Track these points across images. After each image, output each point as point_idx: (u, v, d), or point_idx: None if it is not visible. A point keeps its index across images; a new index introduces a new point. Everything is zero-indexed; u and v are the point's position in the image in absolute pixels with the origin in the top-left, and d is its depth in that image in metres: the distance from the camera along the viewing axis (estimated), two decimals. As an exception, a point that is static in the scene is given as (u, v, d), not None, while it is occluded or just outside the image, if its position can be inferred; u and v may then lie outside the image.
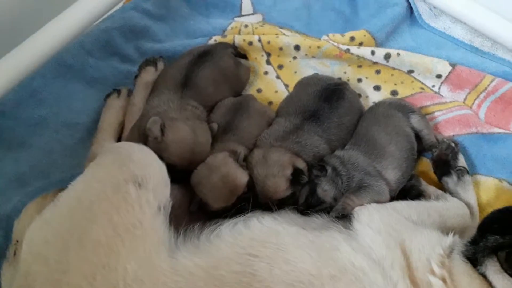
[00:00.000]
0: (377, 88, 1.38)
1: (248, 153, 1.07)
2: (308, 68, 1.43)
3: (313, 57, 1.43)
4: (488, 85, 1.30)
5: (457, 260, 0.76)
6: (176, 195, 0.93)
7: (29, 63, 1.26)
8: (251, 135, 1.13)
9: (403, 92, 1.36)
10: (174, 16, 1.53)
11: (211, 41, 1.42)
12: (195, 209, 0.97)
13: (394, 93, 1.36)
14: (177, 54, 1.36)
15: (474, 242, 0.77)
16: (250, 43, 1.43)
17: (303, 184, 1.03)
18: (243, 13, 1.60)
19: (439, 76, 1.35)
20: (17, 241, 0.94)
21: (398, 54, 1.37)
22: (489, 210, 1.07)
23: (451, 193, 1.10)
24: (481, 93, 1.30)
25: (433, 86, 1.37)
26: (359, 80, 1.40)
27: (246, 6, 1.60)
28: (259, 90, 1.38)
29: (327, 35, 1.43)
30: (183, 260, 0.77)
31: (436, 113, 1.29)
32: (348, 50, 1.39)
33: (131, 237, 0.77)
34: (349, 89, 1.24)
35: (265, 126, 1.17)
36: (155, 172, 0.86)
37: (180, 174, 0.98)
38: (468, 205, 1.06)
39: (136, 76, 1.27)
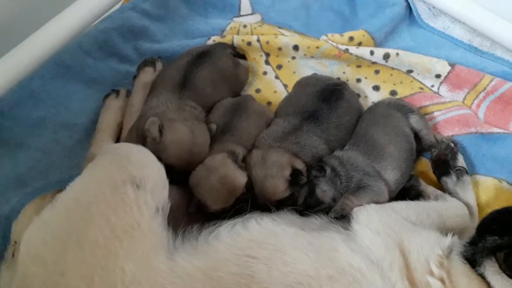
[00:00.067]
0: (376, 88, 1.38)
1: (246, 154, 1.07)
2: (307, 68, 1.42)
3: (312, 57, 1.43)
4: (487, 85, 1.30)
5: (456, 261, 0.76)
6: (174, 196, 0.92)
7: (28, 64, 1.25)
8: (250, 135, 1.12)
9: (402, 92, 1.36)
10: (172, 16, 1.53)
11: (210, 42, 1.41)
12: (193, 210, 0.97)
13: (393, 93, 1.36)
14: (175, 54, 1.35)
15: (473, 242, 0.77)
16: (249, 43, 1.43)
17: (302, 185, 1.03)
18: (241, 13, 1.60)
19: (438, 76, 1.35)
20: (15, 242, 0.94)
21: (397, 54, 1.37)
22: (488, 210, 1.07)
23: (450, 193, 1.10)
24: (480, 93, 1.30)
25: (432, 86, 1.37)
26: (358, 80, 1.40)
27: (245, 6, 1.60)
28: (258, 90, 1.38)
29: (326, 35, 1.43)
30: (181, 261, 0.77)
31: (435, 113, 1.29)
32: (347, 50, 1.39)
33: (129, 239, 0.76)
34: (348, 89, 1.24)
35: (263, 126, 1.17)
36: (153, 173, 0.86)
37: (179, 175, 0.98)
38: (467, 205, 1.06)
39: (134, 77, 1.26)
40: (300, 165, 1.03)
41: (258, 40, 1.42)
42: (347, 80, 1.37)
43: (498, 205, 1.10)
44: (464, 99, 1.33)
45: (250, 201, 0.99)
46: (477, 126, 1.24)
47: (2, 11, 1.43)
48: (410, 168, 1.11)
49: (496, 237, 0.73)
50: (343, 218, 0.93)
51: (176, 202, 0.93)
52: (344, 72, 1.41)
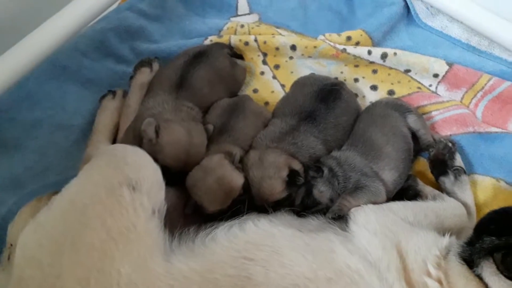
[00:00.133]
0: (374, 87, 1.37)
1: (244, 155, 1.07)
2: (304, 68, 1.42)
3: (310, 57, 1.43)
4: (485, 84, 1.29)
5: (453, 262, 0.76)
6: (171, 197, 0.92)
7: (24, 65, 1.25)
8: (247, 136, 1.12)
9: (400, 91, 1.35)
10: (169, 16, 1.52)
11: (207, 41, 1.41)
12: (190, 211, 0.96)
13: (391, 92, 1.36)
14: (172, 54, 1.35)
15: (470, 243, 0.77)
16: (246, 43, 1.42)
17: (299, 186, 1.02)
18: (239, 13, 1.59)
19: (436, 76, 1.35)
20: (11, 244, 0.93)
21: (395, 53, 1.37)
22: (486, 209, 1.07)
23: (448, 193, 1.10)
24: (478, 92, 1.30)
25: (430, 85, 1.37)
26: (356, 80, 1.39)
27: (242, 6, 1.60)
28: (255, 91, 1.38)
29: (324, 35, 1.43)
30: (178, 264, 0.76)
31: (433, 113, 1.29)
32: (344, 50, 1.38)
33: (125, 241, 0.76)
34: (346, 89, 1.23)
35: (261, 127, 1.16)
36: (150, 174, 0.86)
37: (175, 176, 0.98)
38: (465, 205, 1.05)
39: (131, 77, 1.26)
40: (297, 166, 1.03)
41: (256, 40, 1.42)
42: (345, 80, 1.37)
43: (496, 205, 1.09)
44: (462, 98, 1.32)
45: (247, 202, 0.98)
46: (475, 125, 1.24)
47: (-2, 12, 1.43)
48: (408, 168, 1.11)
49: (494, 238, 0.73)
50: (341, 218, 0.93)
51: (173, 204, 0.93)
52: (341, 72, 1.41)
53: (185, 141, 1.01)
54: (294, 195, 1.03)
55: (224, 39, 1.41)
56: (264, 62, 1.44)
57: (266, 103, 1.35)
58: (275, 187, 1.00)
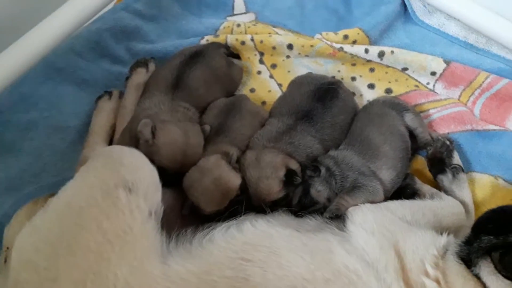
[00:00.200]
0: (371, 86, 1.37)
1: (241, 155, 1.06)
2: (301, 67, 1.41)
3: (307, 56, 1.42)
4: (483, 81, 1.29)
5: (451, 261, 0.76)
6: (168, 199, 0.92)
7: (19, 66, 1.25)
8: (244, 136, 1.11)
9: (398, 90, 1.35)
10: (165, 16, 1.51)
11: (203, 41, 1.40)
12: (187, 213, 0.96)
13: (388, 91, 1.35)
14: (168, 54, 1.34)
15: (468, 242, 0.77)
16: (243, 43, 1.41)
17: (296, 185, 1.02)
18: (235, 12, 1.59)
19: (433, 74, 1.34)
20: (8, 248, 0.93)
21: (392, 52, 1.37)
22: (485, 207, 1.07)
23: (446, 191, 1.10)
24: (476, 90, 1.30)
25: (428, 83, 1.36)
26: (353, 79, 1.39)
27: (239, 5, 1.59)
28: (252, 90, 1.37)
29: (321, 34, 1.42)
30: (175, 265, 0.76)
31: (431, 111, 1.28)
32: (341, 48, 1.38)
33: (121, 243, 0.75)
34: (343, 88, 1.23)
35: (258, 126, 1.16)
36: (146, 176, 0.85)
37: (172, 177, 0.97)
38: (463, 203, 1.05)
39: (127, 78, 1.25)
40: (294, 165, 1.03)
41: (252, 39, 1.41)
42: (342, 79, 1.37)
43: (494, 203, 1.09)
44: (459, 96, 1.32)
45: (245, 203, 0.98)
46: (473, 123, 1.24)
47: (-7, 13, 1.42)
48: (405, 167, 1.11)
49: (492, 237, 0.72)
50: (338, 218, 0.93)
51: (170, 205, 0.92)
52: (339, 71, 1.40)
53: (182, 142, 1.00)
54: (292, 194, 1.02)
55: (220, 39, 1.41)
56: (261, 62, 1.43)
57: (263, 103, 1.34)
58: (272, 187, 0.99)
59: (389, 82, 1.37)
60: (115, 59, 1.36)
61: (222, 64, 1.27)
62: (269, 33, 1.44)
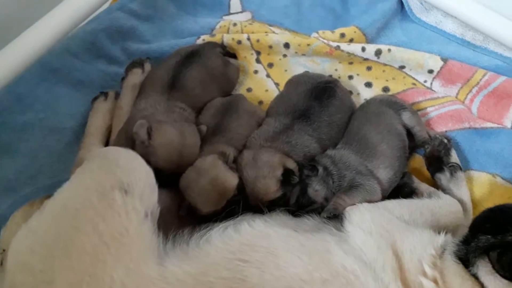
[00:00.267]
0: (368, 84, 1.37)
1: (237, 155, 1.06)
2: (298, 66, 1.41)
3: (303, 54, 1.42)
4: (480, 79, 1.29)
5: (449, 261, 0.75)
6: (164, 199, 0.91)
7: (14, 66, 1.24)
8: (241, 136, 1.11)
9: (395, 88, 1.35)
10: (161, 16, 1.50)
11: (199, 41, 1.40)
12: (184, 213, 0.95)
13: (385, 89, 1.35)
14: (164, 54, 1.34)
15: (466, 242, 0.76)
16: (239, 42, 1.41)
17: (294, 185, 1.02)
18: (231, 11, 1.58)
19: (430, 71, 1.34)
20: (4, 250, 0.92)
21: (389, 50, 1.36)
22: (483, 206, 1.07)
23: (444, 190, 1.09)
24: (473, 87, 1.30)
25: (425, 81, 1.36)
26: (350, 77, 1.38)
27: (235, 4, 1.59)
28: (249, 89, 1.37)
29: (317, 32, 1.42)
30: (171, 267, 0.75)
31: (429, 109, 1.28)
32: (338, 47, 1.37)
33: (117, 245, 0.75)
34: (340, 87, 1.22)
35: (255, 126, 1.15)
36: (142, 177, 0.85)
37: (169, 178, 0.97)
38: (461, 201, 1.05)
39: (122, 78, 1.25)
40: (291, 165, 1.02)
41: (249, 39, 1.41)
42: (339, 77, 1.36)
43: (492, 201, 1.09)
44: (457, 94, 1.32)
45: (242, 203, 0.97)
46: (471, 121, 1.23)
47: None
48: (403, 166, 1.10)
49: (489, 236, 0.72)
50: (336, 217, 0.92)
51: (167, 206, 0.92)
52: (336, 69, 1.40)
53: (178, 142, 1.00)
54: (289, 194, 1.02)
55: (216, 38, 1.40)
56: (258, 61, 1.42)
57: (260, 102, 1.34)
58: (270, 186, 0.99)
59: (386, 80, 1.36)
60: (110, 59, 1.36)
61: (218, 64, 1.27)
62: (266, 32, 1.44)
